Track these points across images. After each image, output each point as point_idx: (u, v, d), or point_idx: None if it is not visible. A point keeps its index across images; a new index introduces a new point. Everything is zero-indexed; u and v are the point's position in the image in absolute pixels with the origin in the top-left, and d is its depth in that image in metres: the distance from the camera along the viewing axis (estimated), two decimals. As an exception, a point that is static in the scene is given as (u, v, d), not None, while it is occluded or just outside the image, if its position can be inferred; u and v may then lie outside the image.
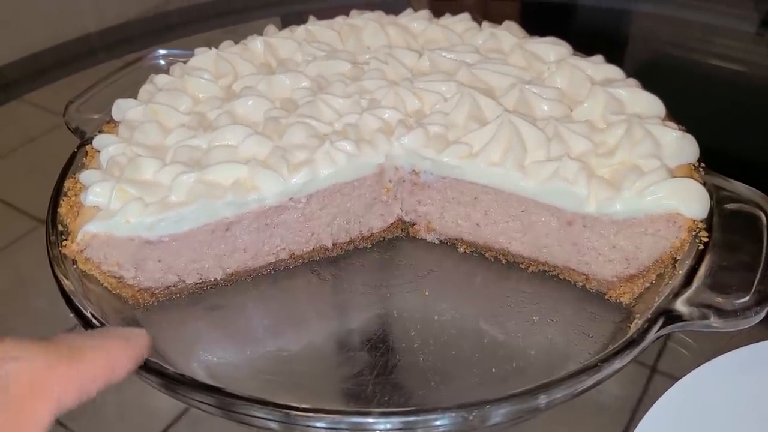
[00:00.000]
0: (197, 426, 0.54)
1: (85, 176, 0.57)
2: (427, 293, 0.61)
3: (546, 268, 0.62)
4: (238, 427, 0.53)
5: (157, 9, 1.26)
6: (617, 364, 0.45)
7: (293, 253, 0.63)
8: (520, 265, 0.63)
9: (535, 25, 0.75)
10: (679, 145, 0.57)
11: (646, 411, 0.52)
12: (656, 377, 0.55)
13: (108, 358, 0.35)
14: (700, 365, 0.51)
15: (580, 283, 0.61)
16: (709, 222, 0.54)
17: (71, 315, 0.51)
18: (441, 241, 0.66)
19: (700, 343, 0.56)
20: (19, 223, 0.75)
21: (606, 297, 0.59)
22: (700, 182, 0.55)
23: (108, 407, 0.55)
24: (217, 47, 0.72)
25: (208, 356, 0.57)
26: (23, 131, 0.94)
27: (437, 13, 0.78)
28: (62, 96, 0.96)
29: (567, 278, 0.62)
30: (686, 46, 1.09)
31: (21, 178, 0.84)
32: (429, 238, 0.66)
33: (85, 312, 0.50)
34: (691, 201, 0.53)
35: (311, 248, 0.64)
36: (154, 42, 1.06)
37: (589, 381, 0.45)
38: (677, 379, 0.53)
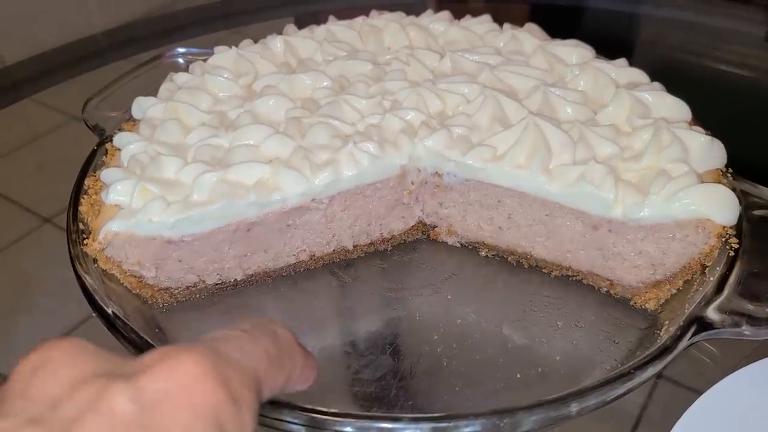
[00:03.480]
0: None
1: (106, 174, 0.56)
2: (449, 297, 0.60)
3: (569, 273, 0.62)
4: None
5: (165, 9, 1.25)
6: (650, 371, 0.45)
7: (314, 255, 0.63)
8: (543, 270, 0.63)
9: (543, 28, 0.75)
10: (708, 150, 0.56)
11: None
12: (660, 383, 0.55)
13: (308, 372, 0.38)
14: (710, 372, 0.50)
15: (605, 289, 0.60)
16: (738, 228, 0.53)
17: (80, 314, 0.50)
18: (462, 244, 0.66)
19: (705, 349, 0.56)
20: (24, 222, 0.74)
21: (631, 303, 0.59)
22: (729, 188, 0.54)
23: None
24: (228, 47, 0.71)
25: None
26: (31, 130, 0.93)
27: (454, 14, 0.77)
28: (70, 96, 0.96)
29: (591, 283, 0.61)
30: (695, 51, 1.08)
31: (28, 177, 0.83)
32: (450, 241, 0.66)
33: (107, 310, 0.49)
34: (721, 207, 0.52)
35: (332, 250, 0.63)
36: (162, 42, 1.06)
37: (622, 389, 0.44)
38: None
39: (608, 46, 0.70)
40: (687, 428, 0.47)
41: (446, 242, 0.66)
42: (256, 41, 0.73)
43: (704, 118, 0.61)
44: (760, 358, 0.51)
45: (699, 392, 0.49)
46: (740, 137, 0.59)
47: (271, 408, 0.43)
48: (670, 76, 0.65)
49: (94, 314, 0.50)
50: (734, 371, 0.51)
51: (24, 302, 0.65)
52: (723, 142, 0.57)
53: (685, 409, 0.48)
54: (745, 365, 0.51)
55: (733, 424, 0.48)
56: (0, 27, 1.07)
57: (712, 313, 0.48)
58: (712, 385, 0.49)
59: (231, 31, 1.14)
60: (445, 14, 0.76)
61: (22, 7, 1.14)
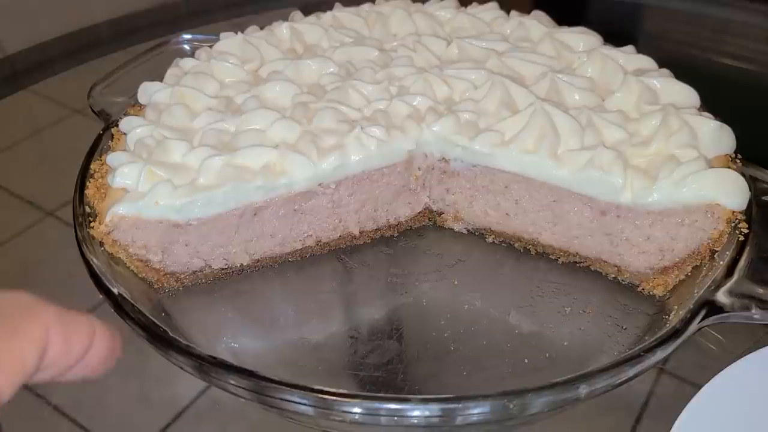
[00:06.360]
0: (202, 418, 0.53)
1: (112, 158, 0.56)
2: (456, 282, 0.60)
3: (577, 259, 0.61)
4: (244, 418, 0.53)
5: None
6: (659, 354, 0.45)
7: (320, 241, 0.63)
8: (550, 256, 0.62)
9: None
10: (717, 136, 0.56)
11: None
12: (663, 377, 0.55)
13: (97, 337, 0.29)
14: (714, 366, 0.50)
15: (612, 275, 0.60)
16: (748, 213, 0.53)
17: (82, 308, 0.49)
18: (469, 230, 0.65)
19: (707, 343, 0.56)
20: (25, 215, 0.74)
21: (639, 289, 0.59)
22: (739, 173, 0.54)
23: (112, 400, 0.54)
24: (234, 33, 0.71)
25: (232, 342, 0.56)
26: (32, 123, 0.93)
27: (460, 1, 0.77)
28: (72, 87, 0.95)
29: (598, 269, 0.61)
30: (700, 44, 1.08)
31: (28, 169, 0.82)
32: (457, 227, 0.66)
33: (114, 291, 0.49)
34: (730, 192, 0.52)
35: (338, 236, 0.63)
36: (165, 33, 1.05)
37: (631, 371, 0.44)
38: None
39: (613, 38, 0.70)
40: (693, 416, 0.47)
41: (453, 228, 0.66)
42: (262, 28, 0.73)
43: (709, 111, 0.61)
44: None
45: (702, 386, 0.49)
46: (746, 130, 0.59)
47: (280, 388, 0.42)
48: (675, 69, 0.65)
49: (100, 296, 0.49)
50: (737, 361, 0.50)
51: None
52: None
53: (689, 401, 0.48)
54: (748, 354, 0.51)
55: (737, 412, 0.48)
56: (1, 15, 1.06)
57: (721, 297, 0.48)
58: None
59: (232, 22, 1.14)
60: (452, 1, 0.76)
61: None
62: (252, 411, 0.53)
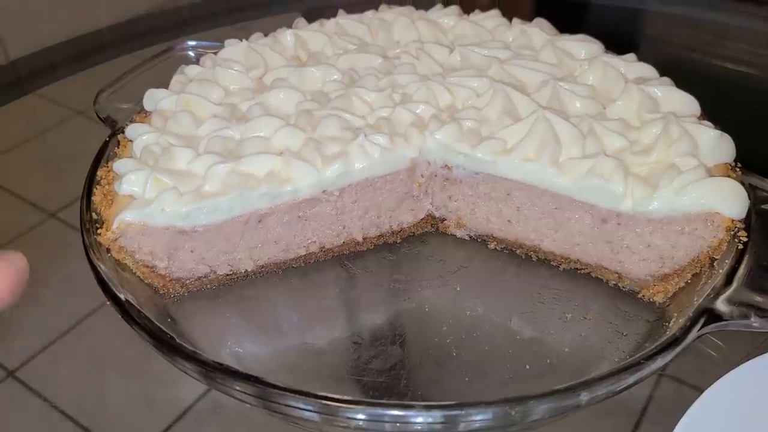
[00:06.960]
0: (203, 421, 0.54)
1: (119, 165, 0.57)
2: (458, 289, 0.61)
3: (578, 266, 0.62)
4: (246, 421, 0.54)
5: (170, 3, 1.25)
6: (659, 361, 0.45)
7: (324, 247, 0.63)
8: (552, 263, 0.63)
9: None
10: (717, 144, 0.56)
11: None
12: (663, 382, 0.55)
13: None
14: (714, 370, 0.50)
15: (613, 282, 0.61)
16: (747, 221, 0.53)
17: (84, 309, 0.50)
18: (471, 237, 0.66)
19: (707, 349, 0.56)
20: (29, 216, 0.74)
21: (639, 296, 0.59)
22: (738, 182, 0.54)
23: (113, 401, 0.55)
24: (238, 40, 0.71)
25: (236, 347, 0.57)
26: (35, 125, 0.93)
27: (463, 9, 0.78)
28: (74, 91, 0.96)
29: (599, 276, 0.61)
30: (701, 48, 1.08)
31: (31, 171, 0.83)
32: (459, 234, 0.66)
33: (120, 297, 0.50)
34: (730, 200, 0.53)
35: (342, 242, 0.64)
36: (168, 38, 1.06)
37: (632, 378, 0.45)
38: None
39: (614, 44, 0.70)
40: (693, 422, 0.47)
41: (455, 235, 0.66)
42: (266, 35, 0.74)
43: (710, 115, 0.62)
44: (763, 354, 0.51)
45: (702, 390, 0.49)
46: (746, 135, 0.59)
47: (284, 394, 0.43)
48: (676, 73, 0.65)
49: (108, 302, 0.50)
50: (737, 367, 0.51)
51: (29, 297, 0.64)
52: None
53: (689, 405, 0.48)
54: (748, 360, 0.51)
55: (737, 419, 0.48)
56: (4, 21, 1.06)
57: (721, 305, 0.48)
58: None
59: (237, 27, 1.14)
60: (454, 9, 0.76)
61: (27, 1, 1.14)
62: (253, 414, 0.54)
